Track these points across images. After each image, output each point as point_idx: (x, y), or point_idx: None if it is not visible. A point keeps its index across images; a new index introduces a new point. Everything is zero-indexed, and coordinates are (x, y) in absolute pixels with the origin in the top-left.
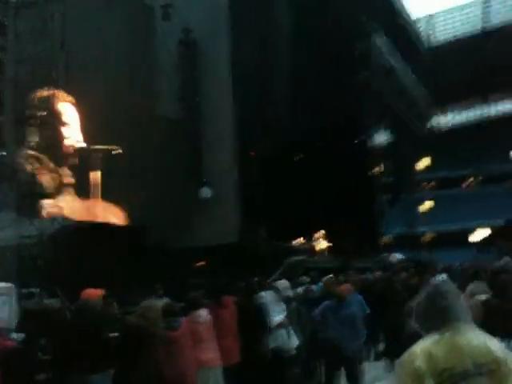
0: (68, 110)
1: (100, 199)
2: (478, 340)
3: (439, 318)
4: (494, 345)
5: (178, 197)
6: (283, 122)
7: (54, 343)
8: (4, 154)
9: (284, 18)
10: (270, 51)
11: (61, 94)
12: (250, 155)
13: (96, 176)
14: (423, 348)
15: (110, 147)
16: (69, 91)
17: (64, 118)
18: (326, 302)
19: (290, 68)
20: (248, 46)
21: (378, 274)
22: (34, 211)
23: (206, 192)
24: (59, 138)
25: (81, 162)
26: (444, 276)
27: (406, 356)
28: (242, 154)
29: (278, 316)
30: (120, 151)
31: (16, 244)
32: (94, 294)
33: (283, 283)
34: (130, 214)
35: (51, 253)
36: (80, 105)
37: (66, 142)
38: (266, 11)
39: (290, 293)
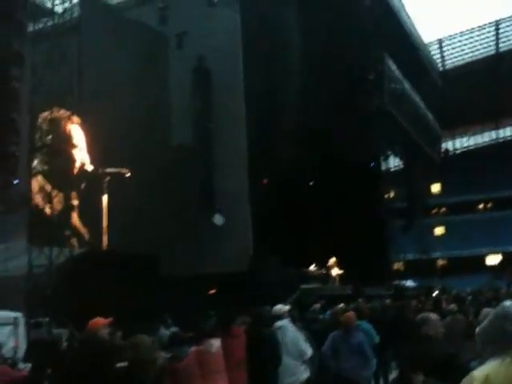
0: (77, 133)
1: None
2: None
3: (503, 342)
4: None
5: (190, 224)
6: (296, 148)
7: (60, 373)
8: (17, 182)
9: (297, 45)
10: (283, 78)
11: (69, 116)
12: (263, 182)
13: (104, 200)
14: (482, 373)
15: (118, 170)
16: (84, 120)
17: (74, 141)
18: (334, 333)
19: (302, 94)
20: (261, 73)
21: (389, 301)
22: (44, 240)
23: (218, 219)
24: (70, 161)
25: (88, 185)
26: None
27: (464, 380)
28: (255, 181)
29: (308, 347)
30: (129, 174)
31: (26, 273)
32: (100, 323)
33: (279, 308)
34: (141, 241)
35: (60, 282)
36: (95, 133)
37: (76, 165)
38: (279, 39)
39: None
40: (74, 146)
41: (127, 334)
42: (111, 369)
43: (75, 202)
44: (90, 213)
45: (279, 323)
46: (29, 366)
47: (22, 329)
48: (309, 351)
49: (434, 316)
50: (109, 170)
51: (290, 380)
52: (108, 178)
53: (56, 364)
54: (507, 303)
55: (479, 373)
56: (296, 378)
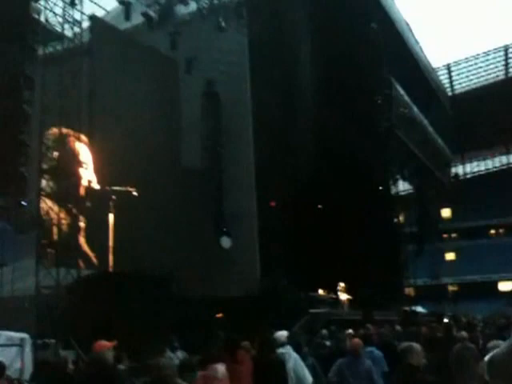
0: (83, 151)
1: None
2: None
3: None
4: None
5: (198, 246)
6: (305, 171)
7: None
8: (25, 203)
9: (306, 68)
10: (292, 102)
11: (75, 134)
12: (271, 205)
13: (111, 218)
14: None
15: (125, 189)
16: (94, 141)
17: (80, 158)
18: (341, 359)
19: (311, 118)
20: (270, 96)
21: (399, 327)
22: (53, 261)
23: (225, 241)
24: (75, 180)
25: (95, 205)
26: None
27: None
28: (263, 204)
29: (308, 375)
30: (135, 193)
31: (33, 294)
32: (105, 346)
33: (280, 335)
34: (149, 262)
35: (68, 303)
36: (105, 155)
37: (82, 183)
38: (287, 63)
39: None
40: (80, 164)
41: (133, 356)
42: None
43: (82, 223)
44: (97, 232)
45: (281, 350)
46: None
47: (28, 350)
48: (310, 379)
49: (416, 346)
50: (115, 188)
51: None
52: (114, 197)
53: None
54: None
55: None
56: None
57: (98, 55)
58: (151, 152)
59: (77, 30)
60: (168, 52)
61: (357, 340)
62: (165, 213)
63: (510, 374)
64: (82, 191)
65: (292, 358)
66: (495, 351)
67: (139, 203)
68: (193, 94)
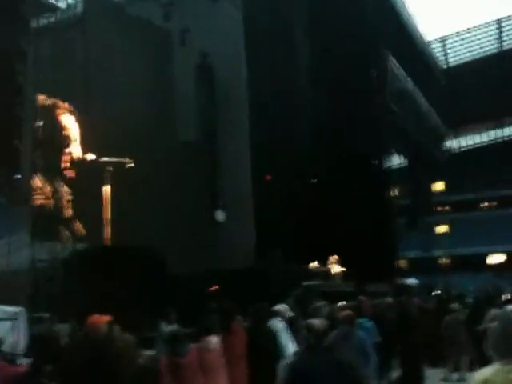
0: (70, 122)
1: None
2: None
3: (504, 348)
4: None
5: (193, 220)
6: (299, 145)
7: (58, 369)
8: (19, 177)
9: (300, 41)
10: (287, 76)
11: (63, 105)
12: (266, 178)
13: (107, 190)
14: (482, 376)
15: (121, 160)
16: (88, 115)
17: (66, 129)
18: (333, 332)
19: (305, 92)
20: (265, 70)
21: (391, 299)
22: (47, 235)
23: (220, 216)
24: (61, 152)
25: (89, 175)
26: None
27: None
28: (258, 178)
29: (290, 345)
30: (132, 164)
31: (28, 268)
32: (100, 320)
33: (283, 308)
34: (142, 236)
35: (63, 277)
36: (99, 128)
37: (71, 155)
38: (282, 37)
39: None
40: (66, 136)
41: (128, 329)
42: (107, 364)
43: (70, 196)
44: (91, 205)
45: (272, 321)
46: (28, 361)
47: (23, 324)
48: (291, 349)
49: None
50: (110, 159)
51: None
52: (110, 168)
53: (55, 360)
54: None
55: (479, 376)
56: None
57: (91, 26)
58: (145, 125)
59: (70, 1)
60: (162, 24)
61: (348, 311)
62: (158, 186)
63: (498, 346)
64: (66, 162)
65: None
66: (492, 329)
67: (132, 176)
68: (187, 66)
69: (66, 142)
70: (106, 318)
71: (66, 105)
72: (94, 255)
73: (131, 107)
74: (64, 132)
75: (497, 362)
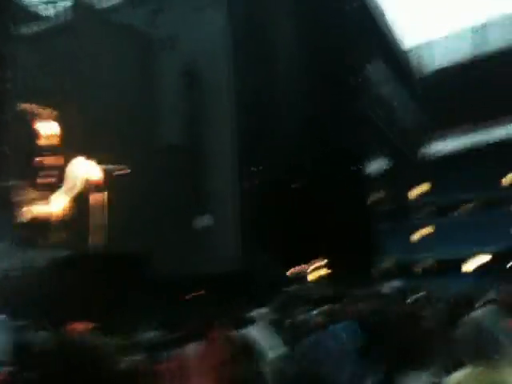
0: (52, 128)
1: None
2: (510, 378)
3: (475, 351)
4: None
5: (179, 223)
6: (283, 150)
7: (36, 377)
8: (3, 184)
9: (283, 49)
10: (270, 82)
11: (46, 111)
12: (251, 183)
13: (99, 198)
14: (455, 379)
15: (117, 167)
16: (73, 120)
17: (47, 137)
18: (313, 336)
19: (289, 98)
20: (250, 75)
21: (375, 302)
22: (28, 241)
23: (206, 219)
24: (43, 156)
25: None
26: (489, 309)
27: None
28: (244, 182)
29: (273, 349)
30: (128, 171)
31: (9, 274)
32: (80, 326)
33: (264, 312)
34: (127, 240)
35: (42, 284)
36: (84, 133)
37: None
38: (267, 42)
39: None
40: (46, 142)
41: (107, 336)
42: (86, 371)
43: (58, 204)
44: (75, 212)
45: (251, 326)
46: (6, 369)
47: (3, 331)
48: (272, 353)
49: None
50: (107, 167)
51: None
52: (104, 177)
53: (32, 367)
54: (483, 313)
55: (453, 379)
56: None
57: (79, 33)
58: (130, 129)
59: (55, 8)
60: (147, 30)
61: (322, 317)
62: (143, 190)
63: (469, 351)
64: (47, 168)
65: (258, 333)
66: (463, 333)
67: (117, 181)
68: (173, 72)
69: (46, 147)
70: (86, 325)
71: (49, 111)
72: (73, 262)
73: (116, 112)
74: (45, 138)
75: (469, 365)
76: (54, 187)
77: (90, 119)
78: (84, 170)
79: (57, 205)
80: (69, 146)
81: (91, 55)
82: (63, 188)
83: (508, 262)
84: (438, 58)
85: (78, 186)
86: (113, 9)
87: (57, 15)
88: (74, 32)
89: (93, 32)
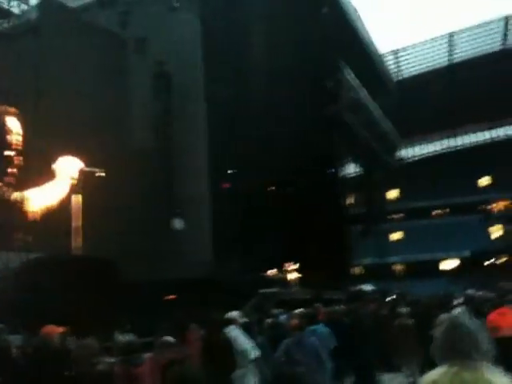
0: (16, 128)
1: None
2: (484, 377)
3: (450, 350)
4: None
5: (149, 228)
6: (257, 153)
7: (11, 380)
8: None
9: (257, 53)
10: (243, 85)
11: (10, 110)
12: (223, 187)
13: (78, 199)
14: (429, 377)
15: (93, 169)
16: (39, 121)
17: (11, 136)
18: (287, 339)
19: (261, 102)
20: (221, 78)
21: (347, 305)
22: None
23: (178, 223)
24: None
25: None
26: (462, 310)
27: None
28: (215, 186)
29: (252, 352)
30: (103, 174)
31: None
32: (53, 331)
33: (236, 315)
34: (99, 245)
35: (15, 287)
36: (50, 135)
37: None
38: (239, 45)
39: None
40: (10, 141)
41: (81, 339)
42: (62, 375)
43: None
44: (50, 215)
45: (228, 329)
46: None
47: None
48: (252, 353)
49: None
50: (84, 168)
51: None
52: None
53: (6, 371)
54: (457, 313)
55: (427, 378)
56: (242, 382)
57: (46, 33)
58: (98, 132)
59: (24, 7)
60: (118, 31)
61: (297, 320)
62: (114, 194)
63: (444, 349)
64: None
65: (237, 338)
66: (437, 333)
67: (87, 185)
68: (144, 74)
69: (10, 146)
70: (60, 329)
71: (13, 109)
72: (44, 265)
73: (85, 114)
74: (9, 137)
75: (443, 364)
76: (22, 187)
77: (56, 121)
78: (68, 171)
79: (32, 205)
80: (37, 146)
81: (59, 55)
82: (42, 187)
83: (476, 266)
84: (415, 64)
85: (64, 186)
86: (83, 8)
87: (25, 14)
88: (43, 31)
89: (62, 31)
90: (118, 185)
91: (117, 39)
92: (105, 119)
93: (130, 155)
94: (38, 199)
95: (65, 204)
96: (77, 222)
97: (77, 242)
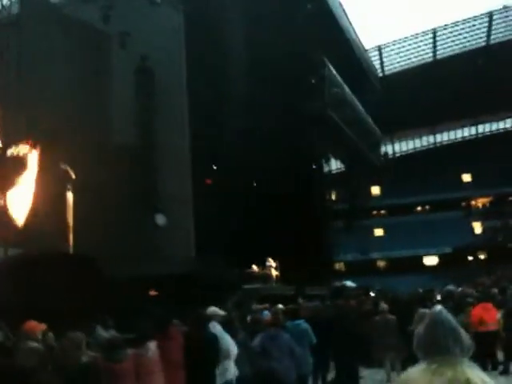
0: None
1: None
2: (463, 374)
3: (430, 347)
4: (479, 380)
5: (132, 224)
6: (239, 149)
7: None
8: None
9: (239, 48)
10: (225, 81)
11: None
12: (206, 183)
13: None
14: (406, 376)
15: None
16: (20, 116)
17: None
18: (263, 333)
19: (244, 98)
20: (204, 74)
21: (328, 301)
22: None
23: (160, 219)
24: None
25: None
26: (440, 307)
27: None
28: (198, 182)
29: (234, 347)
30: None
31: None
32: (35, 327)
33: (215, 310)
34: (80, 241)
35: None
36: (34, 130)
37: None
38: (222, 41)
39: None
40: None
41: (61, 335)
42: (44, 372)
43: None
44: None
45: (209, 325)
46: None
47: None
48: (234, 349)
49: None
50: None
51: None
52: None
53: None
54: (437, 310)
55: (403, 376)
56: (224, 377)
57: (27, 28)
58: (80, 128)
59: (4, 1)
60: (100, 26)
61: (272, 316)
62: (95, 191)
63: (425, 346)
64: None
65: (215, 332)
66: (418, 329)
67: (71, 183)
68: (126, 69)
69: None
70: (41, 325)
71: None
72: (26, 261)
73: (66, 110)
74: None
75: (423, 361)
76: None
77: (37, 116)
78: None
79: (13, 203)
80: (13, 141)
81: (40, 50)
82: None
83: (458, 261)
84: (398, 60)
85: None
86: (65, 3)
87: (6, 7)
88: (24, 25)
89: (43, 26)
90: (99, 182)
91: (99, 34)
92: (85, 115)
93: (111, 151)
94: (17, 205)
95: (47, 202)
96: (62, 219)
97: (59, 239)
